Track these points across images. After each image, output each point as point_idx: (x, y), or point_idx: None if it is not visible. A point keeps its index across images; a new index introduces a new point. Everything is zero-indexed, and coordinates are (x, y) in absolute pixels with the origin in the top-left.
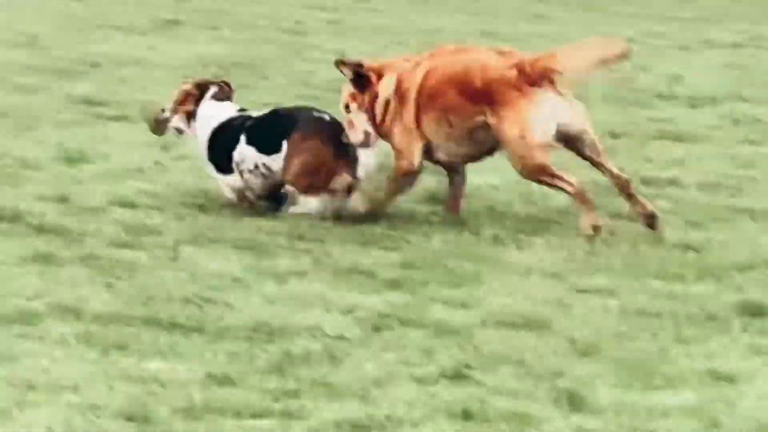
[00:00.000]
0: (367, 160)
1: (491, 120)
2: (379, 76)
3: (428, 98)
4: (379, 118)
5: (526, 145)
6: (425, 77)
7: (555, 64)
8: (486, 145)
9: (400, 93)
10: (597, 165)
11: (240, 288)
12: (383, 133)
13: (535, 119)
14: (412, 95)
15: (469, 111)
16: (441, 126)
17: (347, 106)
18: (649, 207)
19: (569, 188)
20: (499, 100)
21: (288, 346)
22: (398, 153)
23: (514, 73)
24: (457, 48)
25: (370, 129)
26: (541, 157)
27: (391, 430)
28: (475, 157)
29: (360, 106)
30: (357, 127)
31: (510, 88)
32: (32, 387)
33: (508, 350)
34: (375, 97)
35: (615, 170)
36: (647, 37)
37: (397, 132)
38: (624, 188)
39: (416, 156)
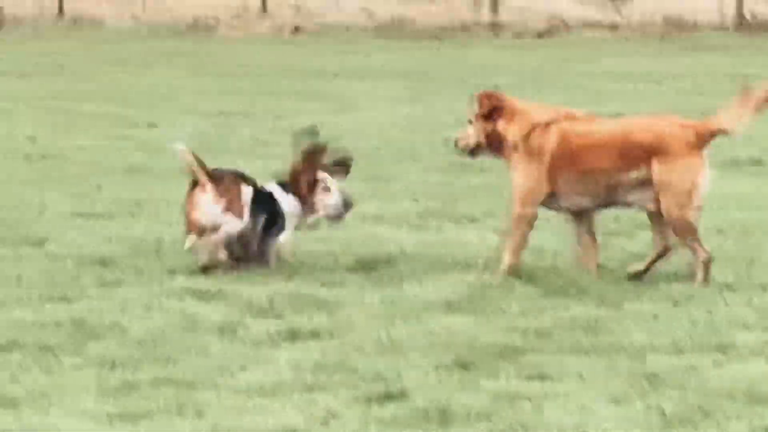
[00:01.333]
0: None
1: (656, 167)
2: (509, 117)
3: (570, 159)
4: (506, 153)
5: (689, 203)
6: (562, 139)
7: (723, 125)
8: (615, 199)
9: (528, 146)
10: (662, 232)
11: None
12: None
13: (701, 181)
14: (546, 154)
15: (623, 167)
16: (581, 184)
17: (470, 120)
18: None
19: (702, 255)
20: (672, 152)
21: None
22: (519, 199)
23: (691, 133)
24: (589, 115)
25: (482, 145)
26: (694, 218)
27: None
28: (594, 210)
29: (480, 129)
30: (470, 138)
31: (686, 144)
32: None
33: None
34: (497, 132)
35: (667, 239)
36: None
37: (520, 179)
38: (663, 253)
39: (536, 204)
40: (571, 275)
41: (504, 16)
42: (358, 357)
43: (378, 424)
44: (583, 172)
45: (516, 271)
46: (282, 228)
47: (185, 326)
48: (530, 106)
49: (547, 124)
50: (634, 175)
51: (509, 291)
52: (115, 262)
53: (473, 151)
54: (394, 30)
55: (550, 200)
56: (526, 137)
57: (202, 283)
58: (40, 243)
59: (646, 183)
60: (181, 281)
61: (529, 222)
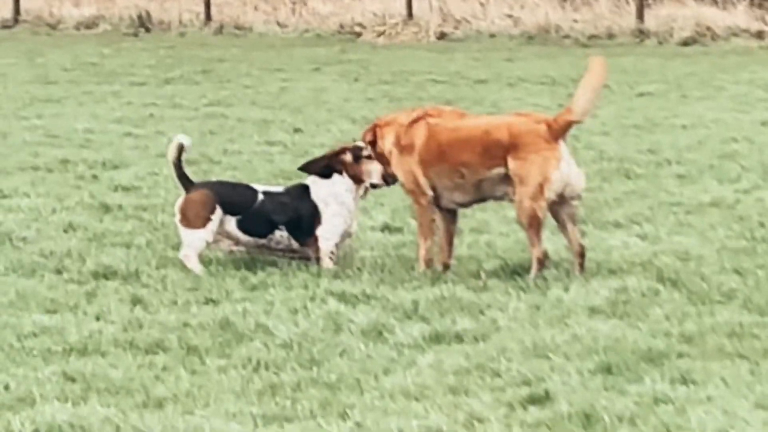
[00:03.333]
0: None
1: (512, 165)
2: (382, 132)
3: (437, 155)
4: (388, 165)
5: (539, 195)
6: (429, 135)
7: (573, 116)
8: (487, 194)
9: (400, 146)
10: (564, 229)
11: None
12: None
13: (554, 175)
14: (415, 149)
15: (485, 164)
16: (451, 178)
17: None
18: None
19: (538, 251)
20: (527, 149)
21: None
22: (412, 192)
23: (543, 127)
24: (457, 110)
25: (383, 170)
26: (542, 211)
27: None
28: (470, 204)
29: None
30: (373, 173)
31: (540, 139)
32: None
33: None
34: (380, 152)
35: (579, 240)
36: None
37: (404, 175)
38: (580, 255)
39: (428, 188)
40: (716, 280)
41: (650, 23)
42: (501, 360)
43: (521, 427)
44: (450, 167)
45: (429, 264)
46: (318, 221)
47: (330, 329)
48: (396, 115)
49: (414, 121)
50: (495, 171)
51: (654, 296)
52: (261, 266)
53: (385, 179)
54: (539, 37)
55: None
56: (398, 141)
57: (348, 286)
58: None
59: (509, 178)
60: (326, 284)
61: (429, 208)
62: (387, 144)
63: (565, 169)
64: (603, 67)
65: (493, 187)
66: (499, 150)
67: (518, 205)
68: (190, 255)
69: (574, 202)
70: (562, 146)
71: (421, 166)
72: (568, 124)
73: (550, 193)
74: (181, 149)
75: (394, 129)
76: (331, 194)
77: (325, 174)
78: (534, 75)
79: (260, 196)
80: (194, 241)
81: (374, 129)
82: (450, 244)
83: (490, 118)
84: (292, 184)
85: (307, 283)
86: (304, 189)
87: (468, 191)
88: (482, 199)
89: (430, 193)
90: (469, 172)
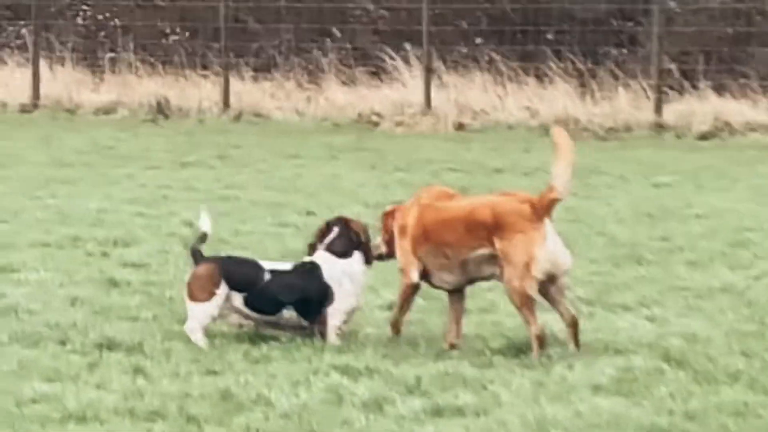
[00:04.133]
0: None
1: (499, 245)
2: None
3: (424, 234)
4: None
5: (527, 275)
6: (419, 215)
7: (557, 194)
8: (474, 275)
9: (400, 226)
10: (554, 303)
11: None
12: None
13: (540, 253)
14: (409, 229)
15: (469, 245)
16: (437, 258)
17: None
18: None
19: (534, 328)
20: (512, 229)
21: None
22: (402, 272)
23: (527, 207)
24: (446, 191)
25: (384, 252)
26: (532, 290)
27: None
28: (463, 285)
29: (384, 239)
30: (377, 250)
31: (524, 219)
32: None
33: None
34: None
35: (572, 311)
36: None
37: (399, 255)
38: (572, 324)
39: (414, 274)
40: (723, 361)
41: (668, 117)
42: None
43: None
44: (435, 246)
45: (397, 331)
46: (330, 298)
47: (331, 401)
48: (414, 199)
49: (411, 204)
50: (480, 252)
51: (659, 375)
52: (265, 340)
53: (380, 258)
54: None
55: (426, 278)
56: (398, 222)
57: (351, 360)
58: None
59: (495, 258)
60: (329, 359)
61: (411, 291)
62: (395, 226)
63: (550, 248)
64: (567, 138)
65: (479, 267)
66: (482, 231)
67: (507, 286)
68: (194, 328)
69: (564, 278)
70: (547, 225)
71: (411, 246)
72: (552, 203)
73: (537, 272)
74: (203, 240)
75: (400, 211)
76: (345, 273)
77: (345, 253)
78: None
79: (267, 275)
80: (199, 314)
81: (388, 217)
82: (457, 323)
83: (475, 198)
84: (300, 262)
85: (310, 357)
86: (314, 268)
87: (454, 271)
88: (471, 281)
89: (414, 278)
90: (452, 252)
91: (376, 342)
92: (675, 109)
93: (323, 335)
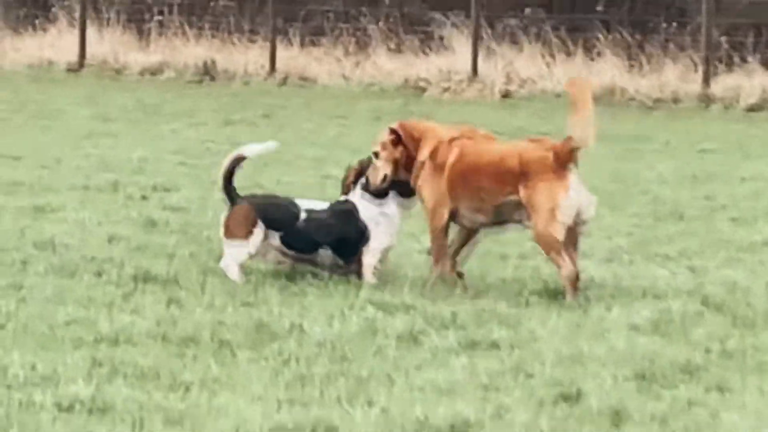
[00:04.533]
0: None
1: (524, 193)
2: (418, 139)
3: (462, 176)
4: (414, 174)
5: (552, 220)
6: (460, 156)
7: (574, 143)
8: (505, 218)
9: (435, 161)
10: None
11: None
12: (415, 186)
13: (564, 200)
14: (446, 169)
15: (502, 191)
16: (473, 201)
17: (377, 154)
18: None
19: (566, 270)
20: (536, 177)
21: None
22: (430, 212)
23: (551, 155)
24: (489, 135)
25: (390, 174)
26: (559, 234)
27: None
28: (491, 226)
29: (388, 158)
30: (378, 171)
31: (548, 168)
32: None
33: None
34: (410, 156)
35: (575, 262)
36: None
37: (428, 194)
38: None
39: (445, 217)
40: (762, 308)
41: (716, 89)
42: (535, 365)
43: (550, 420)
44: (473, 190)
45: (445, 280)
46: (366, 238)
47: (366, 333)
48: (436, 127)
49: (450, 141)
50: (510, 198)
51: (697, 318)
52: (301, 276)
53: (383, 181)
54: (605, 98)
55: (455, 217)
56: (433, 154)
57: (387, 297)
58: None
59: (522, 204)
60: (365, 295)
61: (442, 232)
62: (423, 154)
63: (573, 196)
64: (583, 88)
65: (511, 212)
66: (511, 177)
67: (535, 233)
68: (230, 264)
69: (580, 228)
70: (571, 172)
71: (448, 186)
72: (572, 151)
73: (563, 217)
74: (238, 161)
75: (434, 142)
76: (381, 213)
77: (381, 193)
78: (598, 131)
79: (303, 215)
80: (235, 252)
81: (403, 130)
82: (456, 254)
83: (508, 145)
84: (336, 202)
85: (346, 293)
86: (352, 209)
87: (489, 214)
88: (503, 222)
89: (445, 218)
90: (488, 196)
91: (414, 282)
92: (723, 82)
93: (359, 275)
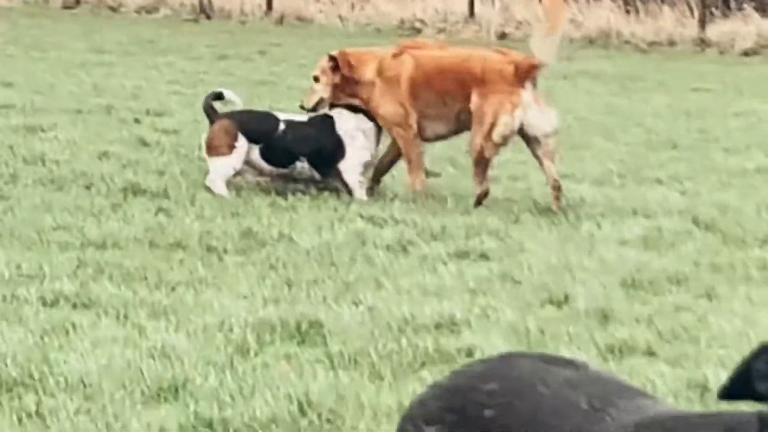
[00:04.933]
0: None
1: (475, 100)
2: (355, 65)
3: (425, 83)
4: (365, 97)
5: (488, 138)
6: (416, 65)
7: (535, 60)
8: (463, 126)
9: (384, 77)
10: (541, 165)
11: None
12: (371, 108)
13: (504, 118)
14: (402, 81)
15: (465, 95)
16: (436, 108)
17: (316, 78)
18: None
19: (480, 188)
20: (491, 88)
21: None
22: (396, 125)
23: (511, 69)
24: (439, 42)
25: (326, 97)
26: (489, 152)
27: None
28: (446, 137)
29: (327, 82)
30: (315, 94)
31: (504, 81)
32: None
33: None
34: (354, 79)
35: (555, 175)
36: None
37: (389, 110)
38: (555, 188)
39: (413, 125)
40: (752, 227)
41: (711, 34)
42: (524, 272)
43: (537, 320)
44: (436, 96)
45: (425, 190)
46: (342, 152)
47: (355, 242)
48: (374, 49)
49: (395, 55)
50: (470, 103)
51: (687, 235)
52: (291, 191)
53: (317, 104)
54: (600, 41)
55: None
56: (381, 72)
57: (377, 211)
58: None
59: None
60: (355, 208)
61: (414, 139)
62: (367, 74)
63: (519, 115)
64: (556, 6)
65: (468, 119)
66: (471, 81)
67: (470, 141)
68: (216, 180)
69: (548, 140)
70: (525, 90)
71: (410, 96)
72: (532, 68)
73: (496, 136)
74: (217, 97)
75: (375, 60)
76: (358, 128)
77: (355, 107)
78: (590, 71)
79: (281, 125)
80: (221, 167)
81: (340, 57)
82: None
83: (471, 50)
84: (316, 115)
85: (336, 207)
86: (329, 121)
87: (450, 121)
88: (459, 131)
89: (414, 125)
90: (451, 101)
91: (404, 197)
92: (718, 27)
93: (349, 192)
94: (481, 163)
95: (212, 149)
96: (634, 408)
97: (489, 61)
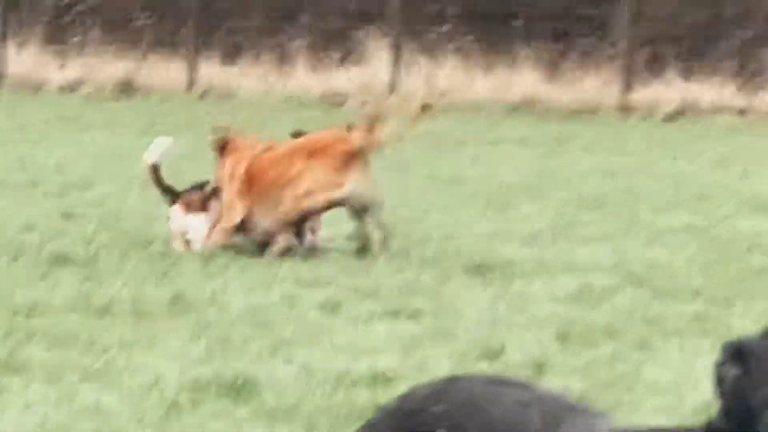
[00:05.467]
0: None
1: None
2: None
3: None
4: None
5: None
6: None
7: (381, 140)
8: None
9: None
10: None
11: None
12: None
13: (309, 184)
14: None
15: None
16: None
17: None
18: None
19: (279, 244)
20: (319, 157)
21: None
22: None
23: (345, 145)
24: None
25: None
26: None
27: None
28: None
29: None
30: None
31: (331, 153)
32: None
33: None
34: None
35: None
36: None
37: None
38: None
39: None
40: (683, 281)
41: (634, 99)
42: (458, 328)
43: (473, 371)
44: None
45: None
46: None
47: (286, 303)
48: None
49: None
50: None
51: (619, 289)
52: (219, 256)
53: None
54: (523, 108)
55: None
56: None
57: (307, 273)
58: (147, 245)
59: None
60: (285, 270)
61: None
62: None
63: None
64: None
65: None
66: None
67: None
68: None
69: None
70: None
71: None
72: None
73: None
74: (154, 169)
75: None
76: None
77: None
78: (516, 136)
79: None
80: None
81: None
82: None
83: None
84: None
85: (266, 270)
86: None
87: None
88: None
89: None
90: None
91: (334, 259)
92: (641, 93)
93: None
94: (285, 225)
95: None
96: (588, 426)
97: (324, 135)
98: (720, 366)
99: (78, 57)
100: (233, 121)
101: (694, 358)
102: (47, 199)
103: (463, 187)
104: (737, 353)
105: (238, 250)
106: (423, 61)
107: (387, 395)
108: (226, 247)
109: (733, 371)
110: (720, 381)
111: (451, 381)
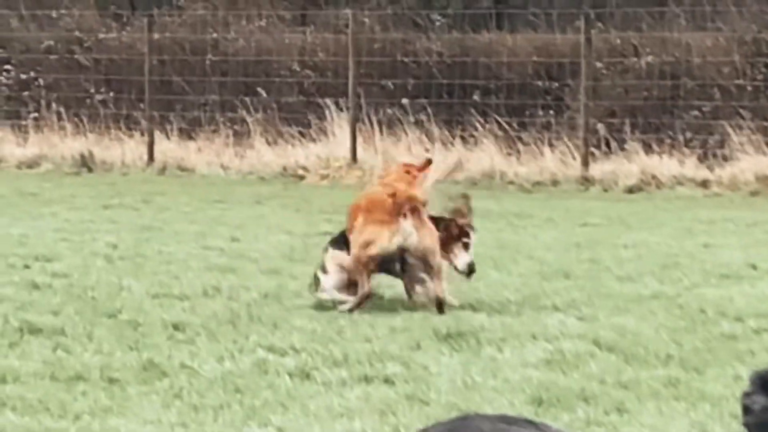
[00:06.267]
0: None
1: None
2: None
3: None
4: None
5: (364, 251)
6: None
7: (416, 196)
8: None
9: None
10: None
11: None
12: None
13: (373, 237)
14: None
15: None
16: None
17: None
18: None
19: (361, 291)
20: (370, 214)
21: None
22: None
23: (388, 201)
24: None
25: None
26: (362, 266)
27: None
28: None
29: None
30: None
31: (381, 209)
32: None
33: None
34: None
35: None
36: None
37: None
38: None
39: None
40: (653, 348)
41: (594, 172)
42: (431, 394)
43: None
44: None
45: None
46: None
47: (257, 370)
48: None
49: None
50: None
51: (589, 356)
52: (189, 325)
53: None
54: (483, 182)
55: None
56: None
57: (277, 341)
58: (115, 314)
59: None
60: (255, 339)
61: None
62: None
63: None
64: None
65: None
66: None
67: None
68: None
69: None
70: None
71: None
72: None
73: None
74: None
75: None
76: None
77: None
78: (476, 210)
79: None
80: None
81: None
82: None
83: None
84: None
85: (235, 338)
86: None
87: None
88: None
89: None
90: None
91: (302, 328)
92: (601, 166)
93: None
94: (358, 270)
95: None
96: None
97: (371, 194)
98: (747, 396)
99: (36, 133)
100: (192, 195)
101: (670, 421)
102: (12, 270)
103: None
104: (765, 383)
105: (208, 318)
106: (381, 136)
107: None
108: (193, 315)
109: (760, 401)
110: (747, 411)
111: (464, 419)
